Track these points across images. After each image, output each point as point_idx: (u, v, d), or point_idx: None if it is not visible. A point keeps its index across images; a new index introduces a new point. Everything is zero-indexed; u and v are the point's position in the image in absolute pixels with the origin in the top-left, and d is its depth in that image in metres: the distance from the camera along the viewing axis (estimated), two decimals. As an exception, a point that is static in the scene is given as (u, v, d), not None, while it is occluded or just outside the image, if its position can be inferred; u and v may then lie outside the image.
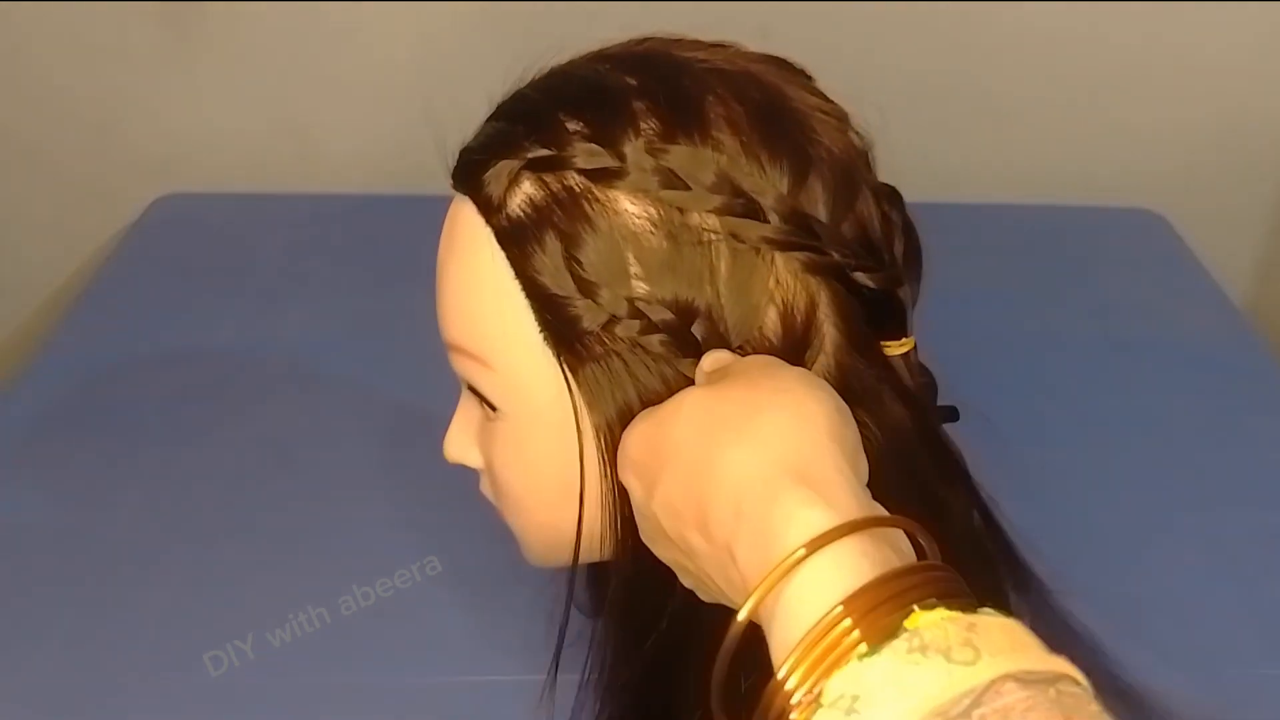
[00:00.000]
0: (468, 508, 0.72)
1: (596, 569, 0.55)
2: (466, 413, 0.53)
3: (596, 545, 0.49)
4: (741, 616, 0.37)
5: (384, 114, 1.18)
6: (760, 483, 0.39)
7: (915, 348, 0.50)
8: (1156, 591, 0.73)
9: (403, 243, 1.09)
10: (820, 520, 0.37)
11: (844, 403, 0.42)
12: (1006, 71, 1.15)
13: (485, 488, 0.55)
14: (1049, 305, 0.99)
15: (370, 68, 1.16)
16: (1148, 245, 1.14)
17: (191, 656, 0.68)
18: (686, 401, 0.42)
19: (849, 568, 0.36)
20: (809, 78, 0.50)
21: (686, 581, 0.44)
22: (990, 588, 0.54)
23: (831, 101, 0.49)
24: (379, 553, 0.75)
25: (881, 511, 0.39)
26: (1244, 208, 1.26)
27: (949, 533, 0.49)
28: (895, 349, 0.49)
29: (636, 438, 0.44)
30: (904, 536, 0.39)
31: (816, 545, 0.36)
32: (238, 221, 1.15)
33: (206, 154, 1.20)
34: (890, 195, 0.50)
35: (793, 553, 0.36)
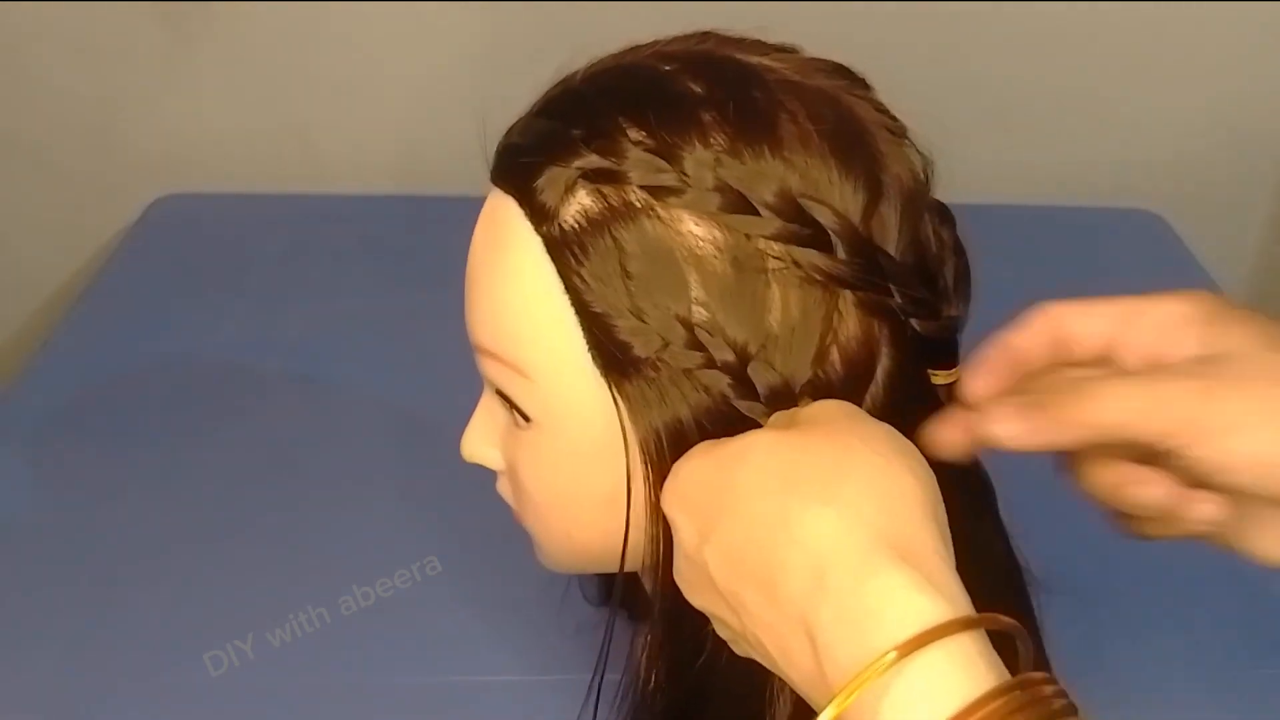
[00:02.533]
0: (468, 508, 0.72)
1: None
2: (489, 413, 0.52)
3: (636, 558, 0.48)
4: (828, 717, 0.33)
5: (384, 114, 1.18)
6: (852, 552, 0.35)
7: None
8: (1156, 591, 0.73)
9: (403, 243, 1.10)
10: (930, 610, 0.33)
11: (934, 476, 0.39)
12: (1005, 72, 1.15)
13: (503, 489, 0.54)
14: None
15: (370, 68, 1.16)
16: (1147, 246, 1.14)
17: (191, 656, 0.68)
18: (759, 445, 0.39)
19: (968, 670, 0.33)
20: (868, 87, 0.48)
21: (724, 633, 0.42)
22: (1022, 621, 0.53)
23: (894, 117, 0.48)
24: (379, 553, 0.75)
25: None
26: (1243, 208, 1.26)
27: (982, 566, 0.49)
28: (943, 379, 0.48)
29: (693, 473, 0.41)
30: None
31: (929, 639, 0.32)
32: (238, 222, 1.15)
33: (207, 154, 1.20)
34: (942, 214, 0.48)
35: (904, 643, 0.32)
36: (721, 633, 0.42)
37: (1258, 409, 0.39)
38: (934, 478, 0.39)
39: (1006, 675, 0.33)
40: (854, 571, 0.35)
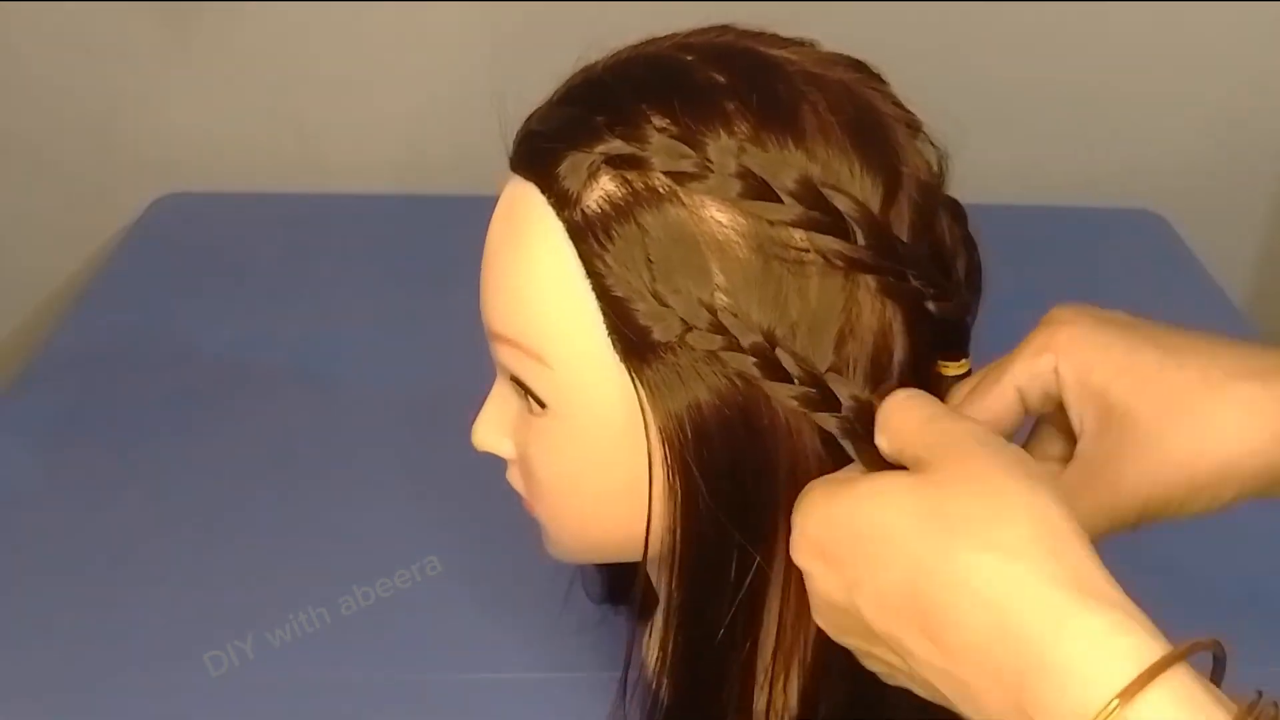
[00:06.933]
0: (469, 507, 0.72)
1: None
2: (502, 401, 0.51)
3: (644, 547, 0.48)
4: None
5: (384, 113, 1.18)
6: (1034, 599, 0.35)
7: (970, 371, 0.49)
8: (1156, 591, 0.73)
9: (404, 243, 1.10)
10: (1138, 649, 0.33)
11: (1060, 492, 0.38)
12: (1006, 72, 1.15)
13: (514, 478, 0.54)
14: (1049, 306, 0.98)
15: (371, 66, 1.16)
16: (1148, 245, 1.14)
17: (191, 656, 0.68)
18: (898, 486, 0.39)
19: (1194, 703, 0.33)
20: (884, 81, 0.49)
21: (878, 668, 0.42)
22: None
23: (910, 111, 0.48)
24: (379, 553, 0.75)
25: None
26: (1244, 208, 1.26)
27: None
28: (953, 369, 0.48)
29: (827, 520, 0.40)
30: None
31: (1148, 679, 0.32)
32: (238, 221, 1.15)
33: (207, 154, 1.20)
34: (955, 209, 0.49)
35: (1126, 689, 0.32)
36: (874, 667, 0.42)
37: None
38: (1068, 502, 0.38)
39: (1228, 701, 0.34)
40: (1045, 619, 0.34)
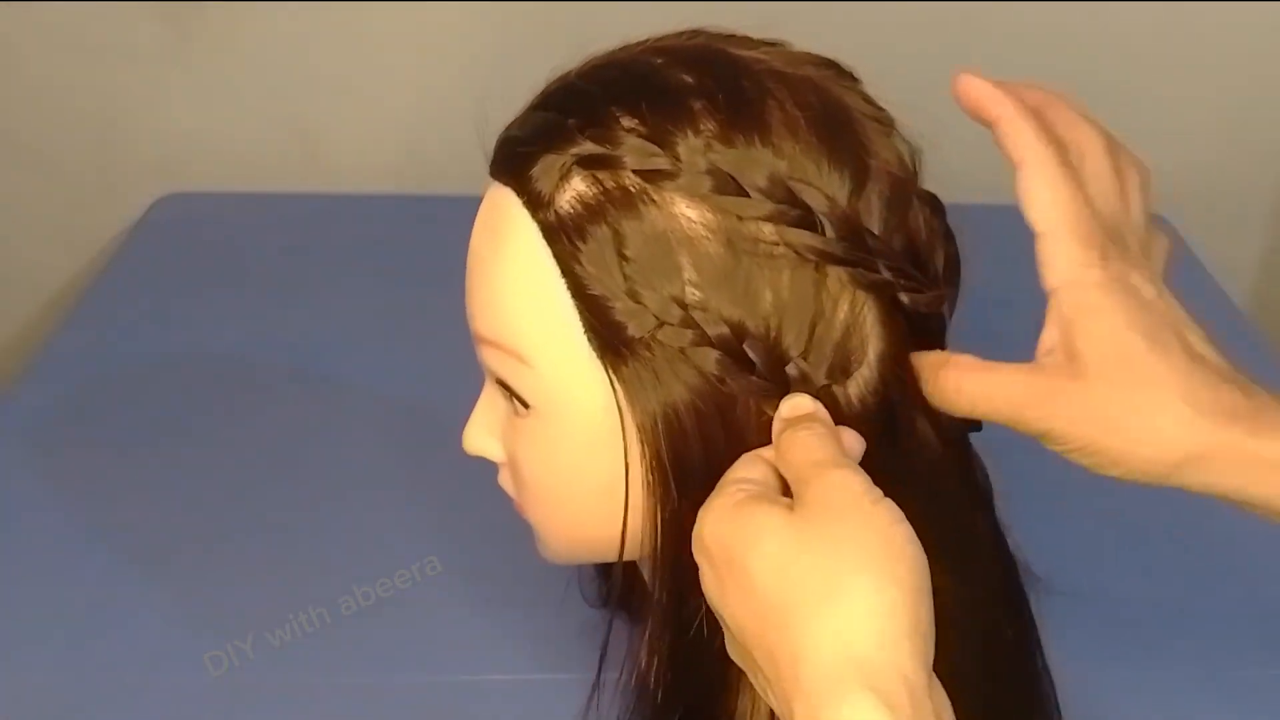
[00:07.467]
0: (469, 508, 0.72)
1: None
2: (490, 404, 0.52)
3: (634, 546, 0.49)
4: None
5: (385, 114, 1.18)
6: (826, 669, 0.38)
7: None
8: (1156, 591, 0.73)
9: (404, 243, 1.10)
10: None
11: (925, 559, 0.40)
12: (1007, 73, 1.14)
13: (505, 481, 0.54)
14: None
15: (371, 67, 1.16)
16: (1151, 248, 1.14)
17: (191, 656, 0.68)
18: (768, 535, 0.41)
19: None
20: (856, 79, 0.49)
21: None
22: (1017, 618, 0.53)
23: (881, 108, 0.48)
24: (379, 553, 0.75)
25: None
26: (1246, 208, 1.26)
27: (975, 557, 0.49)
28: None
29: (716, 537, 0.42)
30: None
31: None
32: (240, 221, 1.15)
33: (208, 154, 1.20)
34: (933, 203, 0.49)
35: None
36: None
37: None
38: (925, 566, 0.40)
39: None
40: (824, 688, 0.38)
